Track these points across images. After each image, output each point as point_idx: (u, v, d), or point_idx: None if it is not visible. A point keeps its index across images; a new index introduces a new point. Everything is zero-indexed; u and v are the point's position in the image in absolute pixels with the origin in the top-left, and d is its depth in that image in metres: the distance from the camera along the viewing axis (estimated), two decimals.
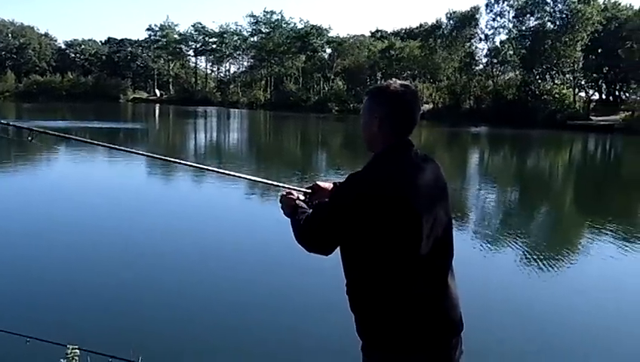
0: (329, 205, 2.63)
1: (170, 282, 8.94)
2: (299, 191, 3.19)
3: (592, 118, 61.52)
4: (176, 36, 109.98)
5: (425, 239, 2.56)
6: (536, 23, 70.17)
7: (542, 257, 11.60)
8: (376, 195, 2.47)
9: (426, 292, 2.57)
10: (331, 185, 3.14)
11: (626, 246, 12.47)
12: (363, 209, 2.47)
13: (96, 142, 4.11)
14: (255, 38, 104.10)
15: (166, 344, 6.57)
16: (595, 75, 73.49)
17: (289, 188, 3.24)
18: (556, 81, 69.32)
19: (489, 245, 12.41)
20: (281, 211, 3.01)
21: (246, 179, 3.45)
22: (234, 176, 3.62)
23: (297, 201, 2.98)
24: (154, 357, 4.57)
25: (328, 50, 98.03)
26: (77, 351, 3.63)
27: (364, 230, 2.49)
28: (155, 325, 7.25)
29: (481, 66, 79.73)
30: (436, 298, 2.61)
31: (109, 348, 4.32)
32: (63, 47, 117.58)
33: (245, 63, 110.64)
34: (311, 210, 2.87)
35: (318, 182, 3.20)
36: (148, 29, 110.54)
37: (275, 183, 3.43)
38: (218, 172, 3.63)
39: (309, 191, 3.16)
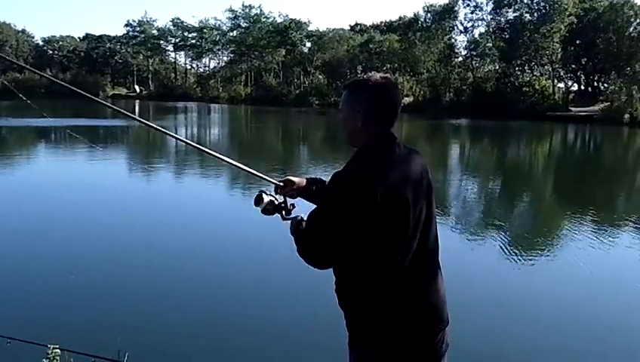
0: (318, 210, 2.58)
1: (155, 279, 8.89)
2: (270, 181, 3.14)
3: (571, 108, 62.03)
4: (154, 32, 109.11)
5: (413, 233, 2.56)
6: (514, 15, 70.51)
7: (524, 247, 11.68)
8: (364, 191, 2.44)
9: (414, 287, 2.58)
10: (304, 181, 3.13)
11: (606, 235, 12.58)
12: (352, 206, 2.44)
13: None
14: (234, 33, 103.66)
15: (152, 342, 6.53)
16: (573, 66, 74.20)
17: (261, 177, 3.23)
18: (535, 73, 69.80)
19: (472, 237, 12.47)
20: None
21: (227, 162, 3.40)
22: (219, 158, 3.53)
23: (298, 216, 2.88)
24: (140, 355, 4.54)
25: (308, 44, 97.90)
26: (57, 350, 3.60)
27: (354, 227, 2.46)
28: (141, 323, 7.21)
29: (460, 59, 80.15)
30: (424, 293, 2.61)
31: (94, 347, 4.29)
32: (41, 43, 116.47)
33: (225, 58, 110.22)
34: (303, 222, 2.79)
35: (290, 177, 3.15)
36: (126, 25, 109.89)
37: (250, 170, 3.38)
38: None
39: (281, 184, 3.11)
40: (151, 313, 7.58)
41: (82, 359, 4.12)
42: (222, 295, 8.34)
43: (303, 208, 3.00)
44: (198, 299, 8.12)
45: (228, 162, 3.33)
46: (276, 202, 3.03)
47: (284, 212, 3.01)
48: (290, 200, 3.07)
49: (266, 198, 2.98)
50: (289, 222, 2.90)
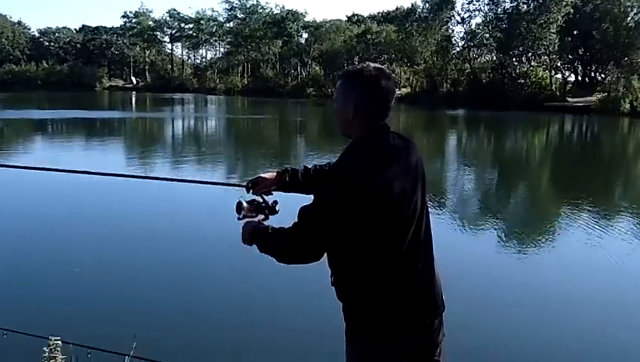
0: (313, 204, 2.54)
1: (157, 272, 8.90)
2: (240, 186, 3.08)
3: (569, 99, 61.99)
4: (150, 23, 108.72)
5: (407, 224, 2.56)
6: (511, 5, 70.45)
7: (520, 237, 11.73)
8: (358, 185, 2.43)
9: (410, 276, 2.59)
10: (274, 174, 3.09)
11: (603, 225, 12.61)
12: (347, 201, 2.43)
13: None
14: (231, 24, 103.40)
15: (157, 334, 6.54)
16: (570, 56, 74.20)
17: (228, 184, 3.19)
18: (532, 63, 69.69)
19: (468, 227, 12.48)
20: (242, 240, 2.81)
21: (183, 181, 3.38)
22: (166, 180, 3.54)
23: (253, 221, 2.82)
24: (144, 348, 4.56)
25: (305, 35, 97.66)
26: (59, 342, 3.62)
27: (350, 221, 2.45)
28: (145, 316, 7.23)
29: (458, 49, 79.90)
30: (419, 282, 2.62)
31: (95, 340, 4.30)
32: (37, 35, 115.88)
33: (222, 49, 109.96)
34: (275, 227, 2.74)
35: (261, 174, 3.11)
36: (122, 16, 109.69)
37: (214, 181, 3.36)
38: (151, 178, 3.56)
39: (250, 185, 3.05)
40: (154, 306, 7.60)
41: (84, 351, 4.14)
42: (224, 289, 8.36)
43: (291, 200, 2.97)
44: (200, 292, 8.13)
45: (189, 181, 3.30)
46: (256, 203, 2.94)
47: (267, 211, 2.93)
48: (270, 199, 2.98)
49: (245, 204, 2.88)
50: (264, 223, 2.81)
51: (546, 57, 68.96)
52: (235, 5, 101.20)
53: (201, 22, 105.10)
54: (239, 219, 2.88)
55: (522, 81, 65.12)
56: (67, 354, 3.87)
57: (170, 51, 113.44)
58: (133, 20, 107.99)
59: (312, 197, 2.59)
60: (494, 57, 74.00)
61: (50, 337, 3.65)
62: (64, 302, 7.55)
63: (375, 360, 2.60)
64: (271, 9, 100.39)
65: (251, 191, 3.05)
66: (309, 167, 3.14)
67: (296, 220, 2.57)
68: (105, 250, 9.88)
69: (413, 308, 2.60)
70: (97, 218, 12.20)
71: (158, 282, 8.47)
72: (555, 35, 65.91)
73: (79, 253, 9.64)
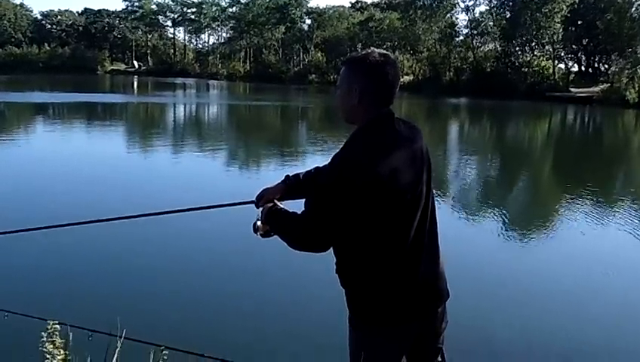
0: (315, 192, 2.54)
1: (155, 256, 8.91)
2: (248, 202, 3.09)
3: (572, 89, 61.80)
4: (153, 7, 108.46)
5: (413, 210, 2.55)
6: None
7: (524, 226, 11.73)
8: (363, 170, 2.41)
9: (414, 263, 2.58)
10: (278, 183, 3.09)
11: (605, 215, 12.62)
12: (350, 189, 2.40)
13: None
14: (234, 9, 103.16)
15: (148, 318, 6.55)
16: (574, 46, 73.90)
17: (237, 204, 3.19)
18: (536, 53, 69.44)
19: (471, 215, 12.49)
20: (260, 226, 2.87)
21: (189, 211, 3.43)
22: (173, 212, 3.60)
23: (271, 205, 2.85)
24: (135, 330, 4.55)
25: (308, 22, 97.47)
26: (57, 326, 3.61)
27: (353, 209, 2.43)
28: (140, 301, 7.24)
29: (461, 37, 79.67)
30: (424, 269, 2.60)
31: (91, 322, 4.29)
32: (39, 17, 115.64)
33: (224, 34, 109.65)
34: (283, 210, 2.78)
35: (265, 187, 3.10)
36: (125, 0, 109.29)
37: (221, 204, 3.37)
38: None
39: (256, 199, 3.05)
40: (150, 290, 7.61)
41: (80, 333, 4.13)
42: (221, 274, 8.36)
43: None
44: (198, 278, 8.12)
45: (195, 209, 3.38)
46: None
47: None
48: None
49: (259, 223, 2.89)
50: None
51: (549, 47, 68.67)
52: None
53: (204, 6, 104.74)
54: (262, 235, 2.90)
55: (525, 70, 64.86)
56: (67, 338, 3.86)
57: (172, 36, 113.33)
58: (136, 4, 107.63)
59: None
60: (498, 46, 73.61)
61: (48, 321, 3.64)
62: (63, 283, 7.56)
63: (378, 347, 2.59)
64: None
65: (260, 204, 3.01)
66: (310, 169, 3.14)
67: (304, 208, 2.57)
68: (107, 233, 9.86)
69: (417, 295, 2.59)
70: (98, 201, 12.17)
71: (162, 267, 8.49)
72: (559, 25, 65.61)
73: (81, 235, 9.63)
